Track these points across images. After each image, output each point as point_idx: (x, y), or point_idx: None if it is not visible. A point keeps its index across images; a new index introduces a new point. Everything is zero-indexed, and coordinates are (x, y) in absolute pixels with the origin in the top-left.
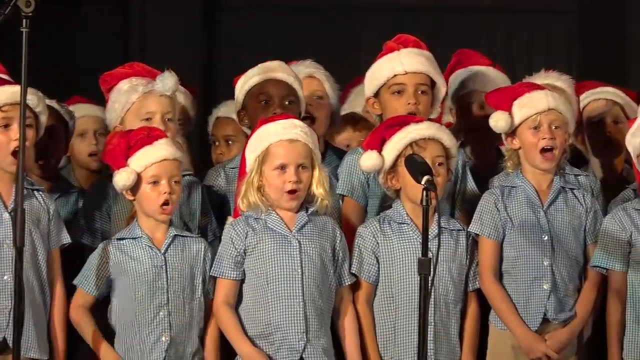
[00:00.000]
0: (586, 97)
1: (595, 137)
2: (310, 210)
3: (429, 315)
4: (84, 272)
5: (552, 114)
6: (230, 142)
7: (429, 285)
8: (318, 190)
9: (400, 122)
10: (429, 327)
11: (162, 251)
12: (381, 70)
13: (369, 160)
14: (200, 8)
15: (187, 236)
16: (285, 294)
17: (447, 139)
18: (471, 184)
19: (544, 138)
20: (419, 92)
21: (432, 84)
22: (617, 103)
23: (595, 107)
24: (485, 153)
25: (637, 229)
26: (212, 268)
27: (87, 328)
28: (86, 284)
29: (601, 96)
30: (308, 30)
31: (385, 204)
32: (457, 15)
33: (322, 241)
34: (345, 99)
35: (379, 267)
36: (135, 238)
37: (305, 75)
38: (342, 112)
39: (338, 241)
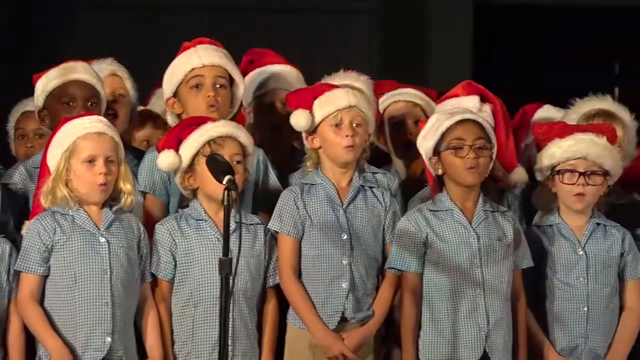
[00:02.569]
0: (387, 99)
1: (397, 138)
2: (116, 207)
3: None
4: None
5: (353, 111)
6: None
7: (230, 284)
8: (125, 186)
9: (197, 122)
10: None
11: None
12: (179, 67)
13: (166, 159)
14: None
15: None
16: (93, 293)
17: (244, 137)
18: (273, 180)
19: (347, 135)
20: (218, 86)
21: (231, 81)
22: (418, 104)
23: (396, 108)
24: (282, 151)
25: (432, 230)
26: (17, 262)
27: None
28: None
29: (402, 97)
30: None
31: (184, 202)
32: (258, 15)
33: (128, 239)
34: (148, 100)
35: (175, 265)
36: None
37: (107, 73)
38: None
39: (142, 238)
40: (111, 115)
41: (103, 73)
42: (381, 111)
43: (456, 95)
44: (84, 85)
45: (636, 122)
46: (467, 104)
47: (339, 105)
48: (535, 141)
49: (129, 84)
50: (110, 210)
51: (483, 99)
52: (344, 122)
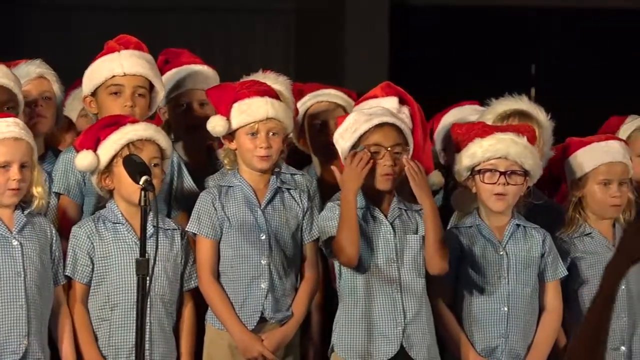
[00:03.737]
0: (309, 99)
1: (318, 138)
2: (28, 210)
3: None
4: None
5: (271, 122)
6: None
7: (147, 285)
8: (37, 189)
9: (115, 122)
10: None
11: None
12: (100, 70)
13: (84, 160)
14: None
15: None
16: (8, 296)
17: (164, 140)
18: (188, 182)
19: (262, 147)
20: (137, 95)
21: (151, 86)
22: (340, 105)
23: (318, 109)
24: (198, 152)
25: None
26: None
27: None
28: None
29: (325, 98)
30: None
31: (100, 204)
32: (176, 14)
33: (41, 242)
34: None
35: (93, 268)
36: None
37: (36, 76)
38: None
39: (54, 241)
40: (36, 117)
41: (31, 75)
42: (303, 111)
43: (375, 96)
44: (2, 90)
45: (552, 123)
46: (385, 105)
47: (256, 117)
48: (455, 142)
49: (56, 87)
50: (23, 213)
51: (402, 101)
52: (260, 133)
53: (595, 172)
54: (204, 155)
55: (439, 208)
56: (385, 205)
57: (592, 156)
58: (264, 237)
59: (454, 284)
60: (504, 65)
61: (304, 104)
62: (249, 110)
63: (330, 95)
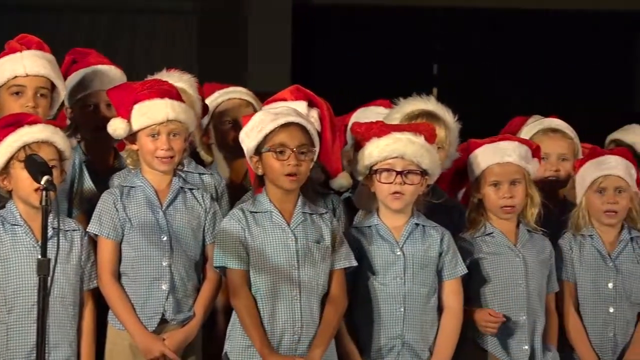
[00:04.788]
0: (220, 96)
1: (227, 136)
2: None
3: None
4: None
5: (172, 123)
6: None
7: (48, 286)
8: None
9: (13, 122)
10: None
11: None
12: (2, 71)
13: None
14: None
15: None
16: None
17: (61, 141)
18: (88, 183)
19: (163, 149)
20: (39, 95)
21: (53, 86)
22: (251, 103)
23: (228, 106)
24: (105, 152)
25: (252, 231)
26: None
27: None
28: None
29: (235, 95)
30: None
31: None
32: (79, 14)
33: None
34: None
35: None
36: None
37: None
38: None
39: None
40: None
41: None
42: (212, 108)
43: (284, 99)
44: None
45: (459, 124)
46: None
47: (156, 119)
48: (355, 140)
49: None
50: None
51: (311, 104)
52: (161, 135)
53: (486, 174)
54: (110, 156)
55: (347, 208)
56: (290, 207)
57: (484, 157)
58: (165, 238)
59: (354, 285)
60: (407, 65)
61: (214, 100)
62: (149, 113)
63: (242, 92)
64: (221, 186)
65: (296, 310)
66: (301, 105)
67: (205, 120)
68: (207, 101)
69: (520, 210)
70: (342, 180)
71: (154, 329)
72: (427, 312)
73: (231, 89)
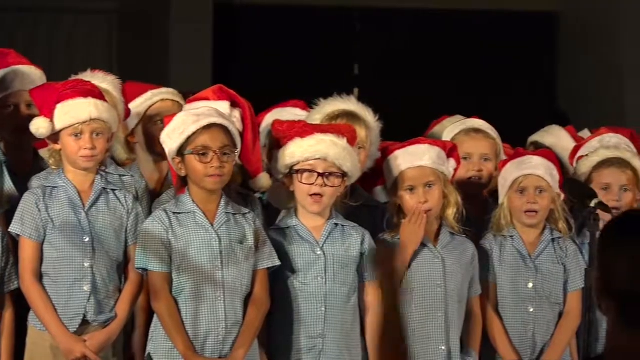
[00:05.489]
0: (152, 97)
1: (154, 138)
2: None
3: None
4: None
5: (95, 123)
6: None
7: None
8: None
9: None
10: None
11: None
12: None
13: None
14: None
15: None
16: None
17: None
18: (8, 184)
19: (86, 148)
20: None
21: None
22: (180, 104)
23: (160, 108)
24: (25, 153)
25: (175, 232)
26: None
27: None
28: None
29: (167, 97)
30: None
31: None
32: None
33: None
34: None
35: None
36: None
37: None
38: None
39: None
40: None
41: None
42: (144, 109)
43: (207, 99)
44: None
45: (380, 124)
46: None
47: (79, 118)
48: (275, 138)
49: None
50: None
51: (234, 104)
52: (84, 134)
53: (401, 178)
54: (31, 157)
55: (265, 208)
56: (213, 207)
57: (397, 162)
58: (87, 239)
59: (275, 285)
60: (328, 65)
61: (146, 100)
62: (72, 112)
63: (174, 94)
64: (141, 188)
65: (220, 311)
66: (224, 106)
67: (135, 120)
68: (139, 101)
69: (439, 212)
70: (262, 181)
71: (75, 330)
72: (348, 312)
73: (163, 90)
